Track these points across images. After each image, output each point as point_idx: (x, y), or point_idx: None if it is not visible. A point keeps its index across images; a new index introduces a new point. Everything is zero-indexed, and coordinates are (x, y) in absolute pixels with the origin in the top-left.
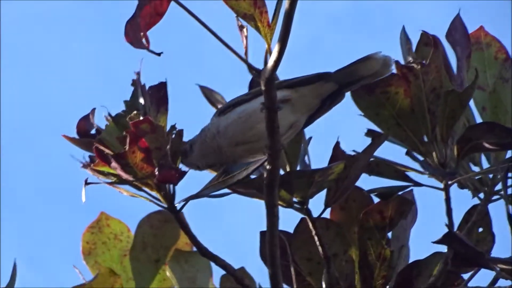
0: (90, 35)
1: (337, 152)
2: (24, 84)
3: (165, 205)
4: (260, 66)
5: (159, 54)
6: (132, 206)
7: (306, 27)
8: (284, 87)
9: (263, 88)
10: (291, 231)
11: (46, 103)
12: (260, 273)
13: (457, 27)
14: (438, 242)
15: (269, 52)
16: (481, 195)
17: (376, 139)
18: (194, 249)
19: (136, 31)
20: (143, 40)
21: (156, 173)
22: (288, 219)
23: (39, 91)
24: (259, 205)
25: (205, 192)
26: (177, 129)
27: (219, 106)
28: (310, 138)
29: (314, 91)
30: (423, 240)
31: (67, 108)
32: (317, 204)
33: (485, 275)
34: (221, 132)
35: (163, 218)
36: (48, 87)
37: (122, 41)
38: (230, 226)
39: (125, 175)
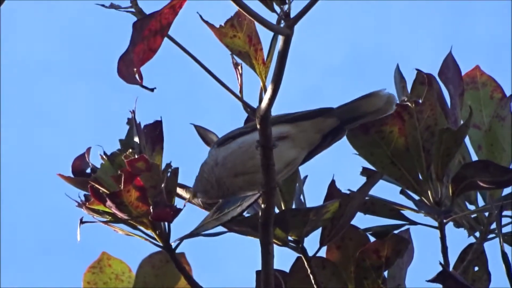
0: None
1: (332, 190)
2: (20, 124)
3: (161, 244)
4: (255, 104)
5: (152, 90)
6: (134, 244)
7: (304, 77)
8: (284, 121)
9: (258, 126)
10: (287, 270)
11: (42, 143)
12: None
13: (449, 65)
14: (432, 280)
15: (264, 89)
16: (477, 234)
17: (371, 178)
18: None
19: (129, 67)
20: (136, 75)
21: (151, 211)
22: (284, 258)
23: (35, 131)
24: (255, 243)
25: (200, 230)
26: (172, 168)
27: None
28: (306, 176)
29: (315, 126)
30: (420, 278)
31: (63, 147)
32: (313, 242)
33: None
34: (220, 163)
35: (164, 258)
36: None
37: (117, 80)
38: (227, 264)
39: (120, 214)
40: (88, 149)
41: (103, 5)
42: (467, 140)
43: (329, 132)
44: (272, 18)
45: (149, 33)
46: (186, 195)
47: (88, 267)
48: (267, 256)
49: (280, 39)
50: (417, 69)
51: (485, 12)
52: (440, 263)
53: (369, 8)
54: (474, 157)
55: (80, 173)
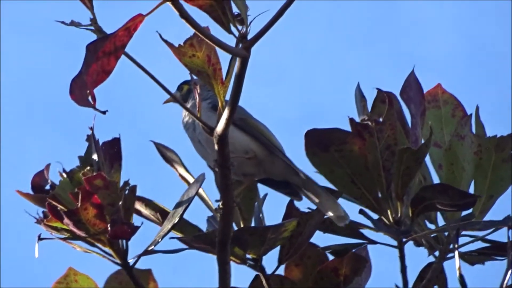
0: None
1: (290, 209)
2: None
3: (118, 261)
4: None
5: (104, 112)
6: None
7: None
8: (261, 140)
9: (215, 145)
10: None
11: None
12: None
13: (411, 84)
14: None
15: (222, 109)
16: (437, 253)
17: None
18: None
19: (82, 89)
20: (89, 98)
21: (109, 228)
22: (243, 276)
23: None
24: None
25: (158, 248)
26: (130, 185)
27: (174, 164)
28: (266, 195)
29: (283, 170)
30: None
31: (22, 164)
32: (271, 260)
33: None
34: None
35: None
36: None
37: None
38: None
39: (77, 232)
40: (48, 166)
41: (63, 22)
42: (427, 158)
43: (291, 185)
44: (231, 39)
45: (103, 54)
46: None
47: (55, 282)
48: (224, 275)
49: (238, 60)
50: (377, 88)
51: (445, 29)
52: (396, 286)
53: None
54: (435, 176)
55: (40, 190)
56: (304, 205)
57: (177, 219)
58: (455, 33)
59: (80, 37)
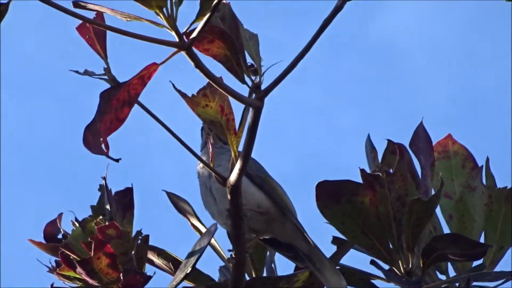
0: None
1: None
2: None
3: None
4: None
5: (117, 160)
6: None
7: None
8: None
9: (228, 196)
10: None
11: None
12: None
13: (420, 135)
14: None
15: (235, 159)
16: None
17: (341, 247)
18: None
19: (95, 136)
20: (102, 145)
21: (121, 278)
22: None
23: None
24: None
25: None
26: (143, 235)
27: (187, 214)
28: None
29: (292, 233)
30: None
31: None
32: None
33: None
34: None
35: None
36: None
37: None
38: None
39: (90, 281)
40: (60, 215)
41: (77, 72)
42: (438, 209)
43: (294, 249)
44: (244, 89)
45: (117, 103)
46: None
47: None
48: None
49: (251, 110)
50: (388, 139)
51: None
52: None
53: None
54: (445, 227)
55: (52, 239)
56: None
57: (189, 269)
58: (452, 81)
59: (86, 87)
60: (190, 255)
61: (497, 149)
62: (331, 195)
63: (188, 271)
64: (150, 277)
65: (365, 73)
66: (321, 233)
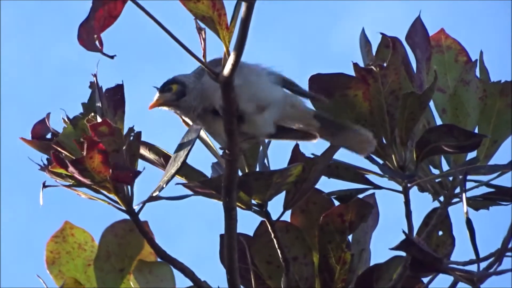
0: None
1: (296, 154)
2: None
3: (123, 208)
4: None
5: (112, 57)
6: (97, 213)
7: None
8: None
9: (221, 91)
10: (251, 233)
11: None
12: (221, 276)
13: (417, 29)
14: (396, 248)
15: (227, 54)
16: (441, 198)
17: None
18: (159, 259)
19: (89, 34)
20: (97, 42)
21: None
22: (248, 222)
23: None
24: (220, 206)
25: (163, 194)
26: (135, 131)
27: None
28: (270, 140)
29: (301, 113)
30: (385, 243)
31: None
32: (277, 207)
33: (446, 278)
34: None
35: (127, 227)
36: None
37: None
38: (191, 228)
39: (83, 179)
40: (48, 114)
41: None
42: (431, 104)
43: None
44: None
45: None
46: None
47: (51, 236)
48: (230, 221)
49: (243, 5)
50: (381, 33)
51: None
52: (403, 231)
53: None
54: (439, 121)
55: (41, 138)
56: (309, 151)
57: (180, 163)
58: None
59: None
60: (178, 148)
61: (491, 44)
62: (323, 89)
63: (179, 166)
64: (139, 172)
65: None
66: None
